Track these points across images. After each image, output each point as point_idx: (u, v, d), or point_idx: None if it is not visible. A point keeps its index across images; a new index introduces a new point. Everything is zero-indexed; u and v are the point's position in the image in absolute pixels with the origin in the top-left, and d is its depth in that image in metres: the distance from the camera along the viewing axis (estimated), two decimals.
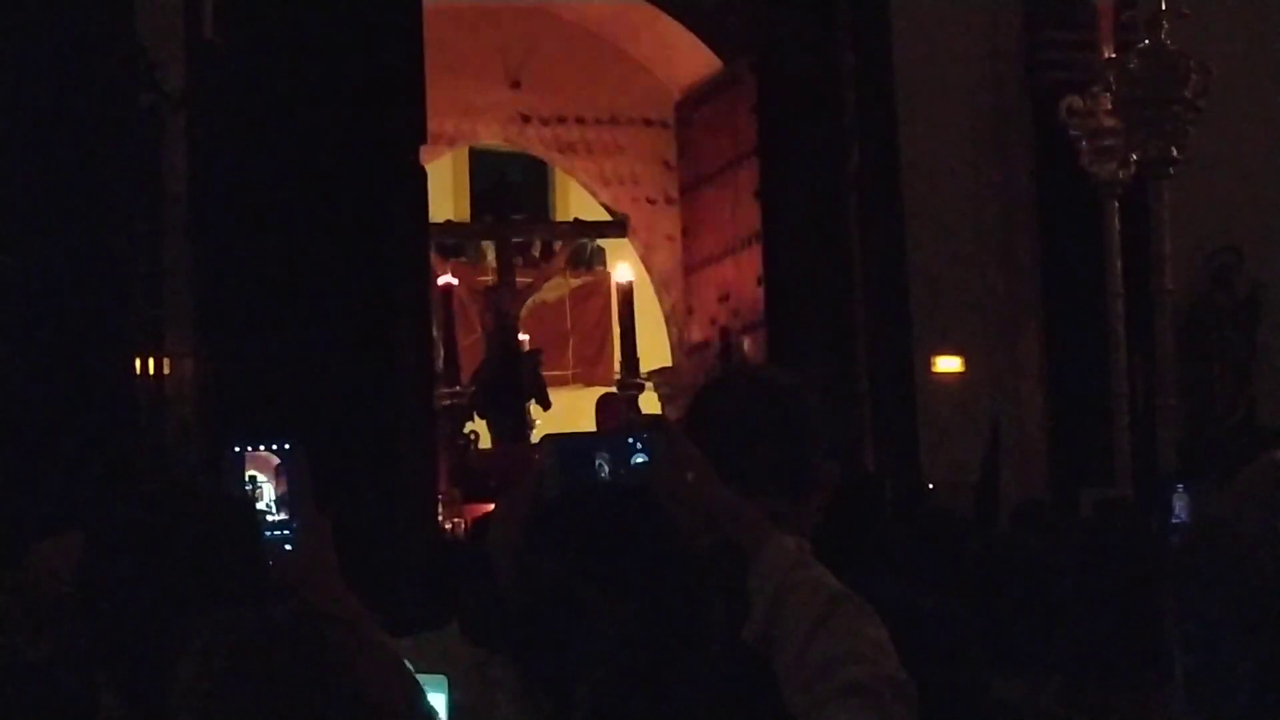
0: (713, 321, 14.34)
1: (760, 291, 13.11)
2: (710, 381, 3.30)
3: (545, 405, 13.96)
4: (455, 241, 15.51)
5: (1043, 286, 11.75)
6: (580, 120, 15.91)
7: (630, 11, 14.72)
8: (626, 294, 14.01)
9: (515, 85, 15.62)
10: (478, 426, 13.88)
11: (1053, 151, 11.29)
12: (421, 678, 1.86)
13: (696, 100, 14.76)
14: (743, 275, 13.68)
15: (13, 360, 7.47)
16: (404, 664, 1.82)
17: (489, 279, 15.00)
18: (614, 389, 13.95)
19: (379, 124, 9.08)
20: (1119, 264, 10.20)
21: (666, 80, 15.18)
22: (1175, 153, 9.52)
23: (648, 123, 15.68)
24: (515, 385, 13.83)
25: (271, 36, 8.83)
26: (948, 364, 11.68)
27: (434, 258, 14.87)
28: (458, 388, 13.41)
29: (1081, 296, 11.13)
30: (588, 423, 12.59)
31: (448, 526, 11.03)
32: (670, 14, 14.27)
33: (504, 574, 2.38)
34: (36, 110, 7.65)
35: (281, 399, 8.47)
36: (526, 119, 15.73)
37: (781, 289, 12.82)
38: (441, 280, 14.06)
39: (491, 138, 15.94)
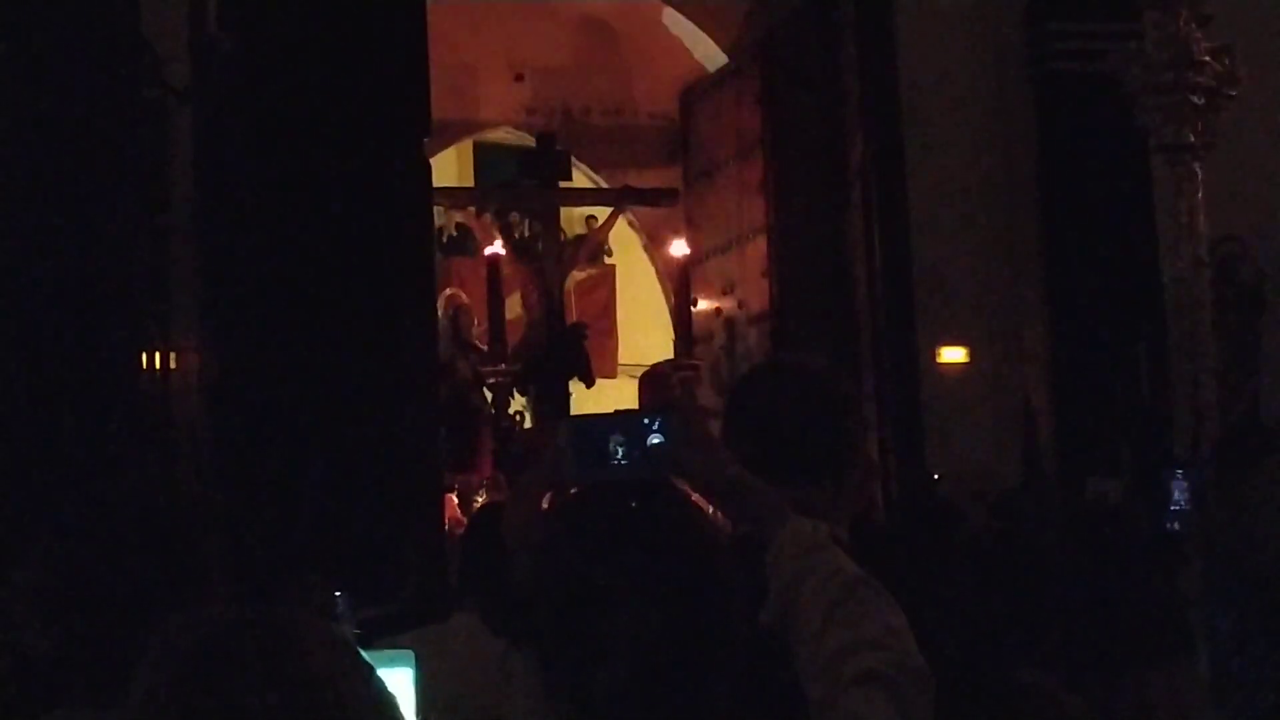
0: (718, 313, 14.35)
1: (765, 283, 13.11)
2: (750, 371, 3.27)
3: (589, 382, 13.69)
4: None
5: (1047, 276, 11.74)
6: (585, 113, 15.92)
7: (635, 4, 14.74)
8: (681, 269, 13.92)
9: (519, 78, 15.63)
10: (522, 406, 13.64)
11: (1057, 140, 11.28)
12: (388, 653, 1.86)
13: (701, 93, 14.77)
14: (748, 267, 13.69)
15: (17, 353, 7.48)
16: (356, 649, 1.82)
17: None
18: (661, 365, 13.68)
19: (383, 117, 9.09)
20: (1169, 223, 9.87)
21: (671, 73, 15.19)
22: (1193, 139, 9.47)
23: (652, 115, 15.69)
24: (561, 359, 13.59)
25: (276, 30, 8.85)
26: (952, 354, 11.66)
27: (487, 222, 14.79)
28: (503, 365, 13.23)
29: (1087, 285, 11.12)
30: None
31: None
32: (675, 6, 14.29)
33: (519, 560, 2.37)
34: (42, 104, 7.66)
35: (286, 392, 8.49)
36: (531, 111, 15.73)
37: (786, 280, 12.83)
38: (489, 250, 13.89)
39: (496, 131, 15.94)
